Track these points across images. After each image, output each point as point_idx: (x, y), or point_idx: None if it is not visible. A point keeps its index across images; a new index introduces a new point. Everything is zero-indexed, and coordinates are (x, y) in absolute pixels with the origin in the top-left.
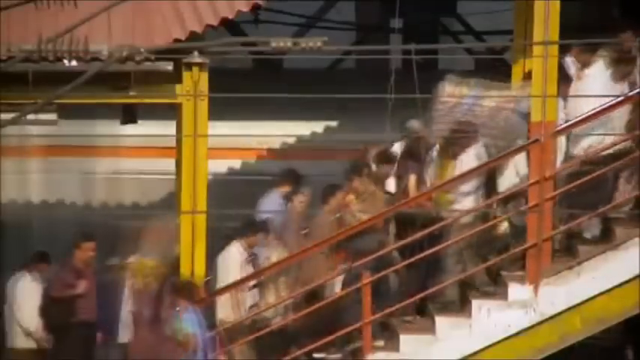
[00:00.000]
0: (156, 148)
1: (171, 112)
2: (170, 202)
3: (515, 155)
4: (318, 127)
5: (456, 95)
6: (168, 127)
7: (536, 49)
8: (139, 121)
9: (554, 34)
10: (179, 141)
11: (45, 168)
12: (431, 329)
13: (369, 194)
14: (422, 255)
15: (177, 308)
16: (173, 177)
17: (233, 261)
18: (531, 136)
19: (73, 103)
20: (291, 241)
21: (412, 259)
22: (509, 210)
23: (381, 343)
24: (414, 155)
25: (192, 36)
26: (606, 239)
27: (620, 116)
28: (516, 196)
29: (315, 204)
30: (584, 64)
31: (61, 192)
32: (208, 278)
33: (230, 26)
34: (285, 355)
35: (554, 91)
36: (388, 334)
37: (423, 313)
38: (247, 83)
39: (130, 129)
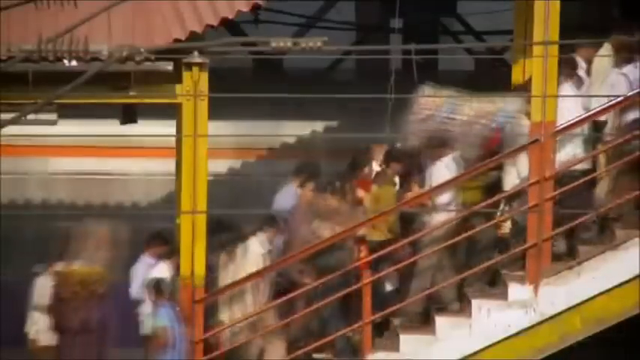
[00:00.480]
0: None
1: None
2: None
3: (515, 155)
4: (318, 126)
5: (430, 106)
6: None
7: (536, 49)
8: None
9: (554, 34)
10: (179, 141)
11: None
12: (431, 329)
13: (332, 211)
14: (396, 266)
15: (155, 303)
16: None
17: (254, 255)
18: (531, 136)
19: (73, 103)
20: (300, 230)
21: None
22: (511, 210)
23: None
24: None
25: (192, 36)
26: (606, 239)
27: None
28: (520, 195)
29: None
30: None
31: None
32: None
33: (230, 26)
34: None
35: (554, 91)
36: (388, 334)
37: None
38: (247, 83)
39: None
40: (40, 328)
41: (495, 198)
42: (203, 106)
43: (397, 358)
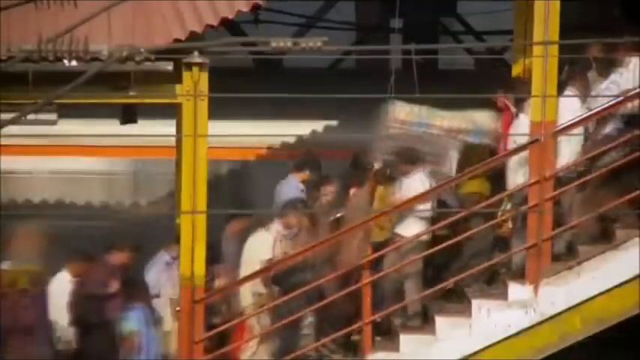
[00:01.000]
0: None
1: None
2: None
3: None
4: (318, 126)
5: (402, 121)
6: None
7: (536, 49)
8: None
9: (554, 34)
10: (179, 141)
11: None
12: (431, 329)
13: (300, 230)
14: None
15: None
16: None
17: (263, 244)
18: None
19: (72, 103)
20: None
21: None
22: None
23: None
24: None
25: (192, 36)
26: (606, 239)
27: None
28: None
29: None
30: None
31: None
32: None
33: (230, 26)
34: None
35: (554, 91)
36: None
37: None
38: (247, 83)
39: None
40: None
41: (495, 198)
42: (203, 106)
43: (397, 358)
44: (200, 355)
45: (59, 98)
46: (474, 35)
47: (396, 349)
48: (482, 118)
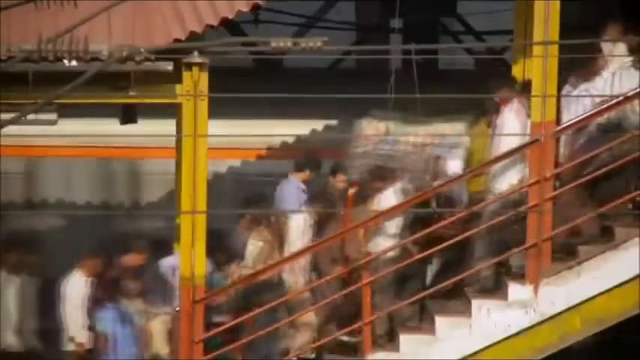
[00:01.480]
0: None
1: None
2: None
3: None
4: (317, 126)
5: (370, 140)
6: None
7: (536, 49)
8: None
9: (554, 34)
10: (179, 141)
11: None
12: (431, 329)
13: (266, 245)
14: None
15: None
16: None
17: (299, 228)
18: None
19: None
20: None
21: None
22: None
23: None
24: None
25: (192, 36)
26: (606, 239)
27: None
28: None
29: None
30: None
31: None
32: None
33: (230, 26)
34: None
35: (554, 91)
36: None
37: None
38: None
39: None
40: None
41: (494, 198)
42: (203, 106)
43: (397, 358)
44: (200, 355)
45: (59, 98)
46: (474, 35)
47: (396, 349)
48: (453, 131)
